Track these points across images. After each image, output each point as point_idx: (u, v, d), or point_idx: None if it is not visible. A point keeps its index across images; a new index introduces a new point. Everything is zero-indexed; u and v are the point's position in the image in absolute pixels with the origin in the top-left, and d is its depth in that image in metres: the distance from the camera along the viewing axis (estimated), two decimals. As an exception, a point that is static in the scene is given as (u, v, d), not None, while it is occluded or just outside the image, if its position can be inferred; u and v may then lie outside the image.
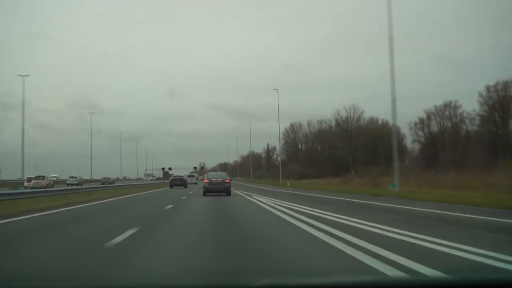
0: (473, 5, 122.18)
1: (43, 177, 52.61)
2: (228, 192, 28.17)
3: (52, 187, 44.24)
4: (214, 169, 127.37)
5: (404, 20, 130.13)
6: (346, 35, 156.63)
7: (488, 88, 60.33)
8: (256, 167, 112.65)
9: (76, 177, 69.73)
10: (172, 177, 59.48)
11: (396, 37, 40.24)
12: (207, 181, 29.24)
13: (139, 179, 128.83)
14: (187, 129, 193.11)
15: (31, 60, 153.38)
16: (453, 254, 6.66)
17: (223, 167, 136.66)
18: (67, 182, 66.02)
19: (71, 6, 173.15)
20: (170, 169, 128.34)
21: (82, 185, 59.34)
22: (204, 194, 28.08)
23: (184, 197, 26.93)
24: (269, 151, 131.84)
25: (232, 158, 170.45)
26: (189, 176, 74.66)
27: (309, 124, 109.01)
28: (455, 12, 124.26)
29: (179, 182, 52.50)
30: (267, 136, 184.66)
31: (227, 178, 29.63)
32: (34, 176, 53.55)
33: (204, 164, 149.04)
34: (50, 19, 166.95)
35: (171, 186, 51.08)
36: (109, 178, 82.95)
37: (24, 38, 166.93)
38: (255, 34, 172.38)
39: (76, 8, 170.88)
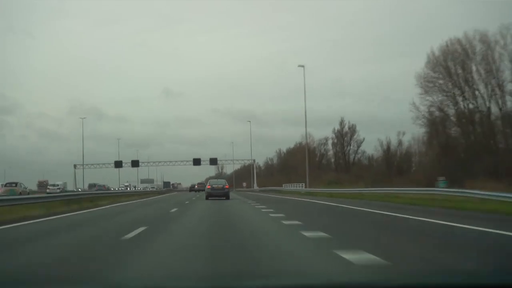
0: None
1: (16, 184, 45.72)
2: (227, 196, 32.88)
3: (28, 194, 37.90)
4: (239, 173, 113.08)
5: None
6: (353, 38, 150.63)
7: None
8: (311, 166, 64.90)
9: (58, 185, 64.56)
10: (191, 184, 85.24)
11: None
12: (209, 187, 34.55)
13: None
14: (195, 135, 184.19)
15: (28, 65, 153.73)
16: None
17: (247, 170, 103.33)
18: (47, 190, 58.98)
19: (75, 11, 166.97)
20: (135, 164, 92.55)
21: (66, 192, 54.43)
22: (207, 198, 32.66)
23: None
24: (343, 135, 77.00)
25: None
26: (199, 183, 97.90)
27: None
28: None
29: (197, 187, 73.12)
30: (279, 142, 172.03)
31: (226, 184, 35.25)
32: (5, 183, 47.45)
33: (222, 167, 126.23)
34: (51, 24, 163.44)
35: (190, 191, 75.34)
36: (103, 186, 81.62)
37: (21, 43, 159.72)
38: (260, 40, 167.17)
39: (80, 13, 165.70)
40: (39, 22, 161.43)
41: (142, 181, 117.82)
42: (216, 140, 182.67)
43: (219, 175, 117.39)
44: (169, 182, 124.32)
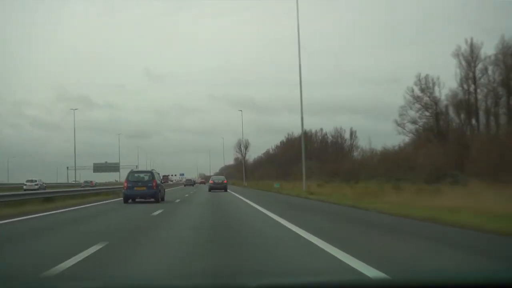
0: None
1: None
2: (225, 189, 42.23)
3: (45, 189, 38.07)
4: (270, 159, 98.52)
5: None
6: (356, 25, 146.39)
7: None
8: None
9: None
10: (186, 179, 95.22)
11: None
12: (212, 182, 45.17)
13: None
14: (198, 124, 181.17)
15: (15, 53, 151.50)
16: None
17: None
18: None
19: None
20: None
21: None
22: (209, 190, 42.24)
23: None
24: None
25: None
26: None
27: None
28: None
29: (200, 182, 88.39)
30: (285, 130, 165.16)
31: (225, 179, 46.33)
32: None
33: (247, 146, 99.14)
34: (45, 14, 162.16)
35: (185, 185, 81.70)
36: (91, 181, 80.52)
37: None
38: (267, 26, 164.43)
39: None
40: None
41: (96, 168, 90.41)
42: (220, 128, 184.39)
43: (238, 162, 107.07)
44: (157, 174, 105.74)
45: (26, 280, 3.90)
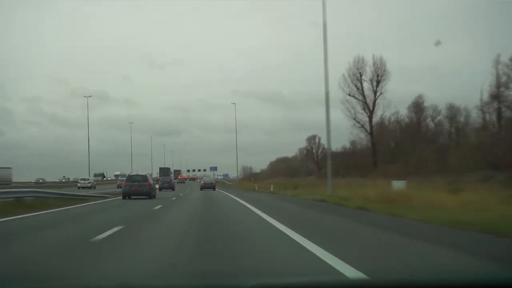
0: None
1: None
2: (214, 188, 53.41)
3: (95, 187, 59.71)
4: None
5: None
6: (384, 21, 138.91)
7: None
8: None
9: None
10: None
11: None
12: (203, 182, 57.66)
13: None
14: (225, 123, 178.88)
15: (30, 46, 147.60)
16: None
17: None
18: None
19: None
20: None
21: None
22: (201, 189, 52.08)
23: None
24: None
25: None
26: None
27: None
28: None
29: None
30: (313, 127, 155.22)
31: (214, 180, 61.63)
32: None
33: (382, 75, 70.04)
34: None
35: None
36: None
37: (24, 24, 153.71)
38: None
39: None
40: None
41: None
42: (251, 127, 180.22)
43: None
44: (168, 169, 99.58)
45: (20, 280, 3.99)
